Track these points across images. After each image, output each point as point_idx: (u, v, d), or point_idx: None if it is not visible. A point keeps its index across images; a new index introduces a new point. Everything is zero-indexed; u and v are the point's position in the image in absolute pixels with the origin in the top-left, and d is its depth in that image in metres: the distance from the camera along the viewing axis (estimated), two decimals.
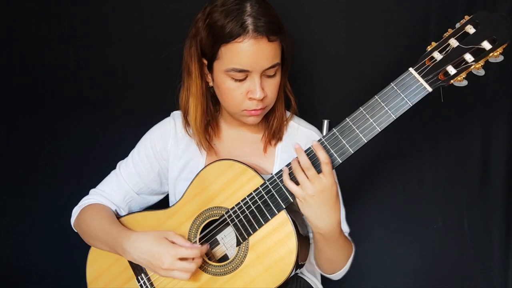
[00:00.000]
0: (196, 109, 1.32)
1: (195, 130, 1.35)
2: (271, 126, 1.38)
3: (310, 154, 1.16)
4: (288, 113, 1.42)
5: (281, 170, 1.20)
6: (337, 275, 1.38)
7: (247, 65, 1.17)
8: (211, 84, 1.30)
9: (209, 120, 1.38)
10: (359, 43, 1.79)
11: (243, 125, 1.40)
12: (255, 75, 1.19)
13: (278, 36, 1.19)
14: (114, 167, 1.49)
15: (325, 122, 1.73)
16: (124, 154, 1.50)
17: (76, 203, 1.47)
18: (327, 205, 1.15)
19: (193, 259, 1.21)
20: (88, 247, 1.45)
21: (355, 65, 1.80)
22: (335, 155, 1.14)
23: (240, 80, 1.20)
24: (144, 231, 1.28)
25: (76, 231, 1.47)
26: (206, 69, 1.27)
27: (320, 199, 1.14)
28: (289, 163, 1.19)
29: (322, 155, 1.12)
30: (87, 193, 1.48)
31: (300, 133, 1.42)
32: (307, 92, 1.78)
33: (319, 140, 1.16)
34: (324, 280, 1.53)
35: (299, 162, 1.16)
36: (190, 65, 1.28)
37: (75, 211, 1.46)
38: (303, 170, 1.15)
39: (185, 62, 1.30)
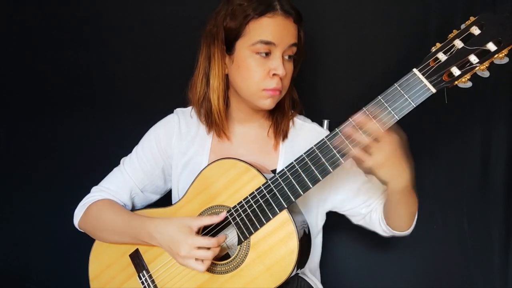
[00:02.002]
0: (218, 89, 1.33)
1: (217, 111, 1.35)
2: (278, 123, 1.39)
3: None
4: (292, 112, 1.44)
5: (283, 169, 1.20)
6: (413, 225, 1.39)
7: (274, 38, 1.22)
8: (226, 71, 1.32)
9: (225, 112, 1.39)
10: (360, 43, 1.79)
11: (250, 121, 1.41)
12: (278, 52, 1.24)
13: (299, 23, 1.28)
14: (115, 166, 1.49)
15: (325, 122, 1.73)
16: (124, 153, 1.50)
17: (77, 202, 1.47)
18: (398, 162, 1.13)
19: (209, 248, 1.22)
20: (88, 247, 1.45)
21: (355, 65, 1.81)
22: (338, 155, 1.14)
23: (263, 57, 1.24)
24: (168, 218, 1.30)
25: (81, 230, 1.46)
26: (224, 56, 1.30)
27: (392, 160, 1.11)
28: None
29: (361, 119, 1.11)
30: (88, 192, 1.48)
31: (304, 129, 1.43)
32: (308, 92, 1.77)
33: (321, 141, 1.16)
34: (324, 280, 1.54)
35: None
36: (212, 49, 1.31)
37: (79, 210, 1.45)
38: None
39: (204, 47, 1.33)
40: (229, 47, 1.28)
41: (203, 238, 1.21)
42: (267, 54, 1.24)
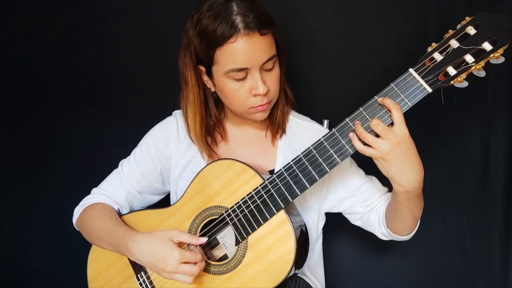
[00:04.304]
0: (194, 117, 1.33)
1: (195, 138, 1.36)
2: (275, 118, 1.38)
3: (364, 119, 1.12)
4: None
5: (280, 170, 1.20)
6: (415, 231, 1.34)
7: (244, 63, 1.17)
8: (213, 89, 1.31)
9: (214, 124, 1.38)
10: (359, 43, 1.78)
11: (247, 123, 1.40)
12: (254, 71, 1.19)
13: (269, 29, 1.19)
14: (115, 167, 1.49)
15: (325, 122, 1.72)
16: (125, 154, 1.50)
17: (76, 203, 1.47)
18: (408, 158, 1.08)
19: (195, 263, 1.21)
20: (88, 247, 1.45)
21: (355, 65, 1.80)
22: (335, 155, 1.14)
23: (241, 80, 1.20)
24: (149, 233, 1.27)
25: (78, 230, 1.46)
26: (205, 76, 1.28)
27: (399, 153, 1.07)
28: (352, 129, 1.13)
29: (390, 102, 1.08)
30: (88, 193, 1.48)
31: (301, 127, 1.42)
32: (307, 92, 1.78)
33: (318, 141, 1.16)
34: (326, 280, 1.54)
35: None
36: (186, 74, 1.29)
37: (77, 211, 1.45)
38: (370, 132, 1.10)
39: (181, 72, 1.30)
40: (207, 71, 1.25)
41: (189, 253, 1.20)
42: (244, 77, 1.20)
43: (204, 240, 1.25)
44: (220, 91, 1.26)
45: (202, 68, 1.26)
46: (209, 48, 1.18)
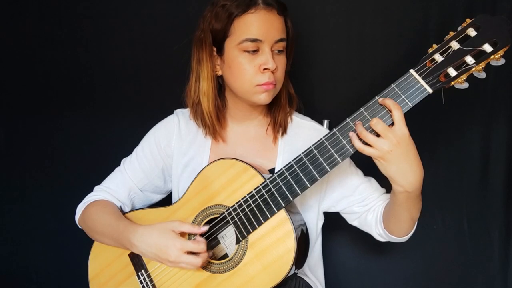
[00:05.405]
0: (208, 92, 1.35)
1: (207, 113, 1.37)
2: (276, 117, 1.39)
3: (365, 119, 1.12)
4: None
5: (281, 169, 1.20)
6: (411, 233, 1.34)
7: (259, 34, 1.22)
8: (219, 73, 1.33)
9: (217, 114, 1.39)
10: (360, 43, 1.79)
11: (248, 118, 1.41)
12: (266, 47, 1.23)
13: (284, 14, 1.28)
14: (116, 166, 1.50)
15: (325, 122, 1.73)
16: (126, 152, 1.50)
17: (77, 202, 1.48)
18: (408, 158, 1.09)
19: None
20: (88, 247, 1.45)
21: (355, 65, 1.81)
22: (336, 155, 1.15)
23: (252, 53, 1.24)
24: (150, 225, 1.29)
25: (80, 227, 1.47)
26: (215, 58, 1.32)
27: (399, 153, 1.07)
28: (353, 129, 1.13)
29: (390, 102, 1.08)
30: (90, 191, 1.49)
31: (302, 126, 1.43)
32: (307, 92, 1.78)
33: (319, 140, 1.17)
34: (326, 280, 1.54)
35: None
36: (200, 53, 1.32)
37: (80, 208, 1.46)
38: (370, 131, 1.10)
39: (195, 52, 1.34)
40: (219, 49, 1.29)
41: (192, 242, 1.21)
42: (256, 51, 1.24)
43: (205, 229, 1.26)
44: (229, 67, 1.28)
45: (214, 49, 1.30)
46: (227, 19, 1.24)
